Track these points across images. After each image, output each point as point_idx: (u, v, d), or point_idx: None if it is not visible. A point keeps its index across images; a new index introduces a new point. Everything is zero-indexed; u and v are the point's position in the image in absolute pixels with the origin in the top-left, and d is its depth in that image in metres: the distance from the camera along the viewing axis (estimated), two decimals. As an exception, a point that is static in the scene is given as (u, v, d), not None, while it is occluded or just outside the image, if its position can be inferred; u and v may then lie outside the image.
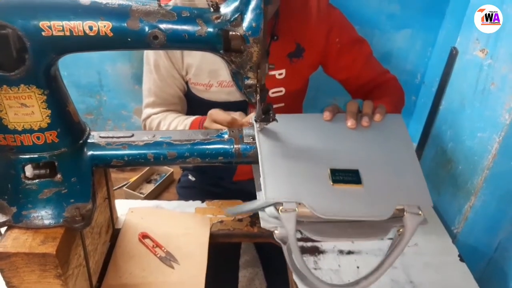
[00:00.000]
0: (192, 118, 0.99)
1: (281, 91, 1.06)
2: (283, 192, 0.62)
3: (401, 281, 0.82)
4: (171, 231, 0.90)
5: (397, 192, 0.64)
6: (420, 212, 0.62)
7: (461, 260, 0.89)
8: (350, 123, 0.72)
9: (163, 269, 0.82)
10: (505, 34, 0.87)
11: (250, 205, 0.68)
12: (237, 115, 0.83)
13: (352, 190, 0.64)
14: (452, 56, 1.05)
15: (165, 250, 0.85)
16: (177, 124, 1.00)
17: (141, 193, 1.45)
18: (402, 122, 0.75)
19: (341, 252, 0.88)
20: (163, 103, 1.08)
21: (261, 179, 0.63)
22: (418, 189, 0.65)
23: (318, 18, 1.02)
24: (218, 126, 0.83)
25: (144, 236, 0.88)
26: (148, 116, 1.10)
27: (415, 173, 0.67)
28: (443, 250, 0.91)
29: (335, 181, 0.64)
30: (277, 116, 0.70)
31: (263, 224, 0.67)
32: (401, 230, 0.64)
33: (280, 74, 1.03)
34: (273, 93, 1.05)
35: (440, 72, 1.11)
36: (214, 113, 0.85)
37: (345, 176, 0.65)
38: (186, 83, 1.08)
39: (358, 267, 0.85)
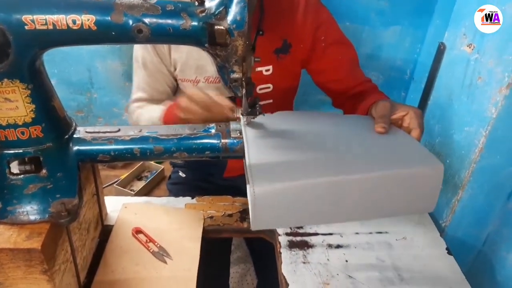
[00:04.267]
0: (168, 102, 0.97)
1: (268, 87, 1.05)
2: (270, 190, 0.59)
3: (389, 274, 0.83)
4: (165, 226, 0.90)
5: None
6: None
7: (449, 253, 0.89)
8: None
9: (156, 264, 0.82)
10: (491, 29, 0.88)
11: None
12: (213, 94, 0.80)
13: None
14: (440, 51, 1.06)
15: (158, 245, 0.85)
16: (154, 110, 0.99)
17: (131, 190, 1.45)
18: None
19: (330, 246, 0.89)
20: (150, 98, 1.07)
21: (249, 175, 0.61)
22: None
23: (306, 14, 1.01)
24: (195, 109, 0.81)
25: (138, 231, 0.88)
26: (134, 111, 1.09)
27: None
28: (431, 243, 0.92)
29: None
30: (267, 116, 0.71)
31: None
32: None
33: (267, 70, 1.02)
34: (260, 89, 1.04)
35: (428, 68, 1.12)
36: (194, 94, 0.82)
37: None
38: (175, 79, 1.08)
39: (346, 261, 0.85)
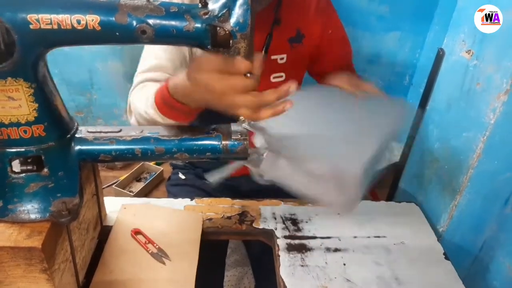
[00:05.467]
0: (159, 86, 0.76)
1: (281, 76, 1.07)
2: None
3: (386, 277, 0.83)
4: (164, 227, 0.91)
5: None
6: None
7: (446, 258, 0.90)
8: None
9: (154, 265, 0.82)
10: (491, 35, 0.88)
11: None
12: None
13: None
14: (439, 57, 1.06)
15: (157, 247, 0.85)
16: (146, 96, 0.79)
17: (130, 192, 1.45)
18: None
19: (328, 249, 0.89)
20: (160, 66, 0.89)
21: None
22: None
23: (317, 8, 1.06)
24: (205, 78, 0.60)
25: (137, 232, 0.88)
26: (133, 89, 0.90)
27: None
28: (429, 248, 0.92)
29: None
30: None
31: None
32: None
33: (281, 59, 1.05)
34: (274, 77, 1.06)
35: (427, 73, 1.13)
36: (203, 60, 0.61)
37: None
38: None
39: (344, 264, 0.86)
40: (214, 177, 0.81)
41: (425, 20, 1.50)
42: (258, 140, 0.75)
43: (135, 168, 1.56)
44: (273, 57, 1.04)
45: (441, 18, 1.44)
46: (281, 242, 0.90)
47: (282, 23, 1.01)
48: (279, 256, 0.87)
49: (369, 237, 0.93)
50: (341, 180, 0.72)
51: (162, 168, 1.56)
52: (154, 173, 1.55)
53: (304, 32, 1.06)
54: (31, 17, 0.53)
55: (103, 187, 1.10)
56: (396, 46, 1.57)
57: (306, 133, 0.78)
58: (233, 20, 0.57)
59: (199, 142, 0.70)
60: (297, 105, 0.70)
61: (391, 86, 1.66)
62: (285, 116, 0.63)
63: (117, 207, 0.95)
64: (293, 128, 0.75)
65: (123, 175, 1.52)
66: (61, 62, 1.60)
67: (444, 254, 0.91)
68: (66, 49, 1.55)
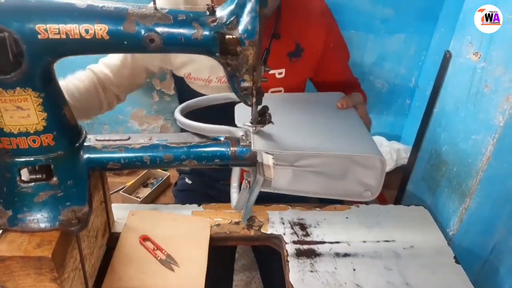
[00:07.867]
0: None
1: (280, 90, 1.07)
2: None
3: (396, 282, 0.83)
4: (172, 234, 0.90)
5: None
6: None
7: (457, 262, 0.89)
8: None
9: (163, 272, 0.82)
10: (499, 37, 0.88)
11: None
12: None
13: None
14: (446, 59, 1.06)
15: (165, 253, 0.85)
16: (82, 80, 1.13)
17: (137, 197, 1.45)
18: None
19: (337, 254, 0.89)
20: (106, 77, 1.10)
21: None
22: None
23: (318, 20, 1.05)
24: None
25: (145, 238, 0.88)
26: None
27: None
28: (439, 252, 0.91)
29: None
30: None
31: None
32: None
33: (280, 74, 1.05)
34: (272, 92, 1.06)
35: (434, 75, 1.12)
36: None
37: None
38: (182, 78, 1.08)
39: (354, 270, 0.85)
40: (238, 204, 0.88)
41: (430, 22, 1.49)
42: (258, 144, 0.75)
43: (141, 174, 1.56)
44: (270, 71, 1.03)
45: (447, 20, 1.43)
46: (290, 248, 0.90)
47: (282, 37, 1.00)
48: (288, 261, 0.86)
49: (378, 241, 0.93)
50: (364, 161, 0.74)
51: (168, 174, 1.56)
52: (160, 178, 1.55)
53: (304, 46, 1.05)
54: (39, 27, 0.54)
55: (110, 193, 1.10)
56: (401, 49, 1.56)
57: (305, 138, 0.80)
58: (241, 27, 0.57)
59: (208, 149, 0.70)
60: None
61: (396, 88, 1.66)
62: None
63: (125, 213, 0.95)
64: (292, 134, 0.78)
65: (130, 181, 1.52)
66: (67, 69, 1.60)
67: (455, 257, 0.90)
68: (72, 56, 1.55)
